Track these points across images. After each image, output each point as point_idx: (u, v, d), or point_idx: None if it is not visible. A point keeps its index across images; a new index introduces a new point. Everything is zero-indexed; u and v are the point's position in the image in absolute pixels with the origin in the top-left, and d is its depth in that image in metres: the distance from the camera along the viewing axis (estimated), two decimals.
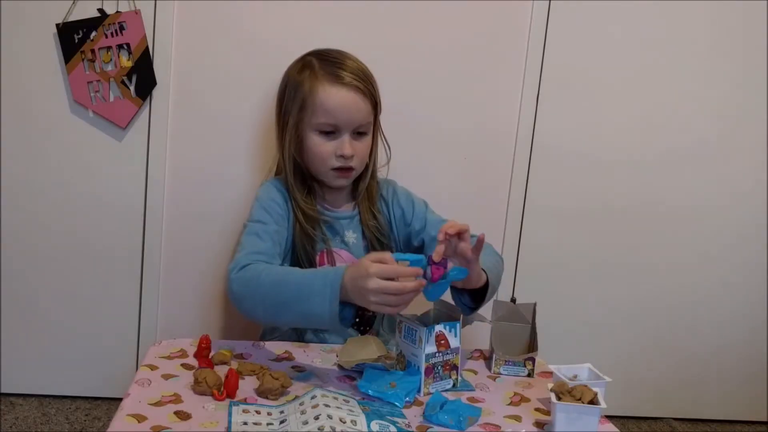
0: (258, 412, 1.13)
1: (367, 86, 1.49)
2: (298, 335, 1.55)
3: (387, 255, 1.21)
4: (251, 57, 1.87)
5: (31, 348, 1.97)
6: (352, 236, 1.58)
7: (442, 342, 1.27)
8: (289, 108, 1.52)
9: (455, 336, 1.29)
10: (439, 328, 1.28)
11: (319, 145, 1.50)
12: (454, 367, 1.30)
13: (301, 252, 1.52)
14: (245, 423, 1.09)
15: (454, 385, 1.30)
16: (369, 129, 1.53)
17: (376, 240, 1.58)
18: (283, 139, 1.55)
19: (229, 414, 1.12)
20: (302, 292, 1.26)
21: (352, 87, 1.47)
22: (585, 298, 2.13)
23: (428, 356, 1.26)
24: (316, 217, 1.54)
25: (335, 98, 1.46)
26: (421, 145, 1.96)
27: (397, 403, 1.20)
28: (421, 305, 1.41)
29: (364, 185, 1.59)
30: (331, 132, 1.49)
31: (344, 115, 1.47)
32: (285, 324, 1.43)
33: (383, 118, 1.63)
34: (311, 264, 1.52)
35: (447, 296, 1.51)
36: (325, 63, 1.50)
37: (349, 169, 1.52)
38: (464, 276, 1.26)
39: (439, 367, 1.28)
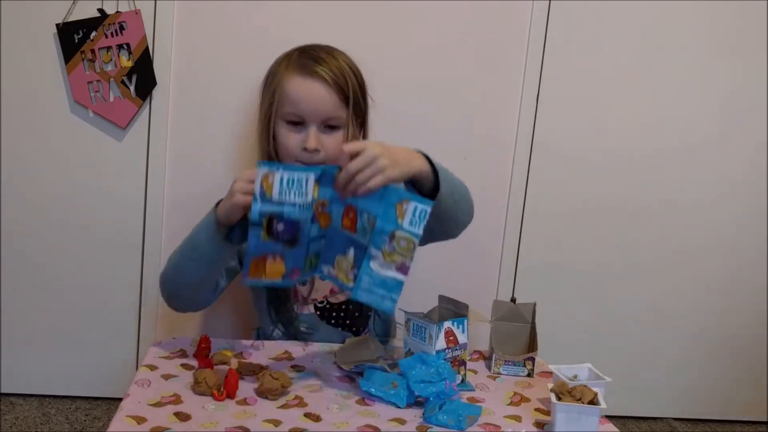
0: None
1: (337, 79, 1.42)
2: (290, 339, 1.55)
3: None
4: (251, 57, 1.85)
5: (31, 348, 1.97)
6: None
7: (451, 338, 1.28)
8: (264, 99, 1.49)
9: (463, 332, 1.30)
10: (447, 324, 1.28)
11: (286, 136, 1.45)
12: (462, 363, 1.31)
13: None
14: None
15: (462, 381, 1.31)
16: (341, 123, 1.45)
17: None
18: (259, 131, 1.52)
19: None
20: (192, 237, 1.37)
21: (319, 78, 1.41)
22: (585, 299, 2.13)
23: (439, 353, 1.26)
24: None
25: (300, 88, 1.42)
26: (421, 145, 1.93)
27: (398, 404, 1.20)
28: (425, 304, 1.40)
29: None
30: (298, 123, 1.43)
31: (307, 106, 1.42)
32: (201, 279, 1.40)
33: (382, 118, 1.62)
34: None
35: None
36: (304, 55, 1.46)
37: (317, 163, 1.43)
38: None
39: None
